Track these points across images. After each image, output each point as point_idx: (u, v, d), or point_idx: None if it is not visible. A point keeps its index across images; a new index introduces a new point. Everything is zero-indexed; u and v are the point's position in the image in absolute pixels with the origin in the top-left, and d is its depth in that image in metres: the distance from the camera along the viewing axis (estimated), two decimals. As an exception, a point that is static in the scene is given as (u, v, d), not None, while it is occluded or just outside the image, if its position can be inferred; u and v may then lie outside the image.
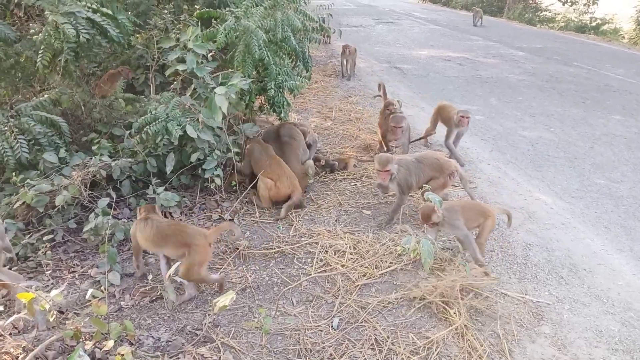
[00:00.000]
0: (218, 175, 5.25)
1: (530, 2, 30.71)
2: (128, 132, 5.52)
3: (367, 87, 10.29)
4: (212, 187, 5.37)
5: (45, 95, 5.70)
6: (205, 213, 5.32)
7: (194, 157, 5.19)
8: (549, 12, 29.57)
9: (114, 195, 5.09)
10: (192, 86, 5.37)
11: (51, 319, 3.09)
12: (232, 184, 5.51)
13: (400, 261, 4.46)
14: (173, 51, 6.50)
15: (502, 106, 9.43)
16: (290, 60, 6.54)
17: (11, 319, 3.37)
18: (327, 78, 10.94)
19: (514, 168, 6.73)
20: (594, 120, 8.99)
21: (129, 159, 5.22)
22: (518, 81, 11.60)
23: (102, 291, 3.44)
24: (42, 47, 5.18)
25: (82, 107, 6.12)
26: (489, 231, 4.35)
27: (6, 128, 5.10)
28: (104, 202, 4.87)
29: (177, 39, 5.49)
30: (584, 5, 28.05)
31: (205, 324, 3.76)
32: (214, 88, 5.03)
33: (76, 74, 6.06)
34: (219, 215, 5.24)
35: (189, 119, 5.02)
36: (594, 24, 25.68)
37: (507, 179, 6.31)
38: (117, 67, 7.68)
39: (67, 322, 3.33)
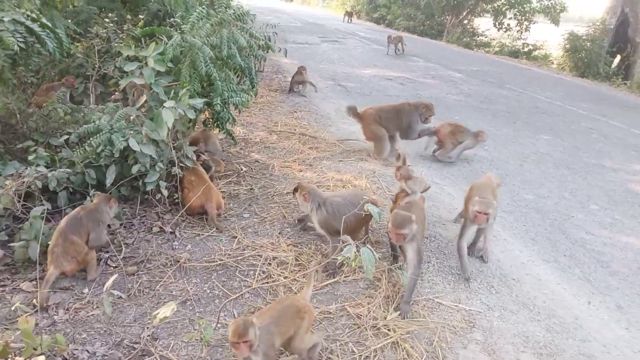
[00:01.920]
0: (165, 188, 5.20)
1: (468, 27, 32.28)
2: (64, 139, 5.37)
3: (311, 103, 10.47)
4: (154, 199, 5.31)
5: (-25, 102, 5.47)
6: (145, 225, 5.23)
7: (134, 169, 5.10)
8: (485, 37, 31.19)
9: (49, 206, 4.91)
10: (144, 98, 5.30)
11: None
12: (175, 197, 5.45)
13: (342, 273, 4.58)
14: (119, 61, 6.43)
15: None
16: (236, 75, 6.60)
17: None
18: (272, 93, 11.04)
19: (450, 184, 7.04)
20: (524, 139, 9.55)
21: (67, 170, 5.07)
22: (455, 101, 12.14)
23: (34, 304, 3.33)
24: (-25, 53, 4.99)
25: (18, 115, 5.91)
26: None
27: None
28: (37, 210, 4.70)
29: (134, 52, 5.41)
30: (517, 31, 29.75)
31: (143, 337, 3.70)
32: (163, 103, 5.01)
33: (12, 81, 5.85)
34: (160, 228, 5.17)
35: (132, 132, 4.96)
36: (526, 49, 27.26)
37: (443, 194, 6.59)
38: (55, 75, 7.47)
39: (-5, 337, 3.18)
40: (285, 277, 4.48)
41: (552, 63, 24.23)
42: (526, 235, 5.75)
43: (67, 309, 3.99)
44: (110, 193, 5.21)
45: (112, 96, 7.31)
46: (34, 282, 4.09)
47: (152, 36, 6.33)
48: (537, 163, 8.26)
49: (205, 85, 5.94)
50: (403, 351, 3.69)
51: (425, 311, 4.16)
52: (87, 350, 3.52)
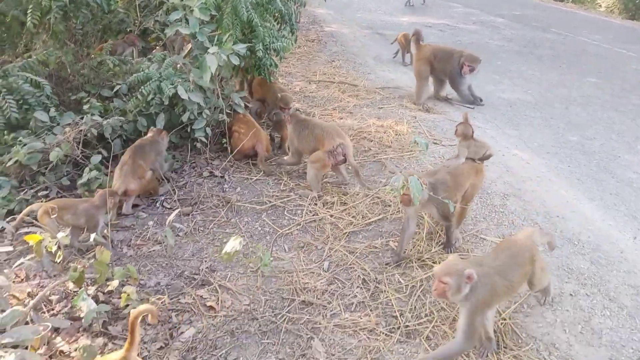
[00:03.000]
0: (204, 135, 5.38)
1: (510, -30, 30.69)
2: (115, 90, 5.60)
3: (349, 52, 10.37)
4: (203, 146, 5.51)
5: (33, 56, 5.71)
6: (196, 170, 5.46)
7: (185, 118, 5.29)
8: (529, -20, 29.65)
9: (105, 153, 5.18)
10: (189, 47, 5.43)
11: (58, 260, 3.25)
12: (223, 142, 5.63)
13: (387, 211, 4.71)
14: (160, 14, 6.54)
15: (482, 70, 9.60)
16: (276, 22, 6.61)
17: (16, 264, 3.52)
18: (309, 43, 10.98)
19: (493, 127, 6.97)
20: (570, 83, 9.26)
21: (120, 118, 5.31)
22: (497, 47, 11.79)
23: (105, 236, 3.60)
24: (31, 6, 5.19)
25: (69, 68, 6.15)
26: None
27: (-7, 89, 5.13)
28: (96, 158, 5.00)
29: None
30: (563, -27, 28.15)
31: (202, 269, 3.96)
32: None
33: (64, 34, 6.05)
34: (210, 172, 5.39)
35: (180, 80, 5.10)
36: (572, -8, 25.86)
37: (486, 137, 6.51)
38: (98, 32, 7.61)
39: (70, 265, 3.47)
40: (332, 215, 4.65)
41: (600, 6, 22.94)
42: (571, 175, 5.71)
43: (130, 246, 4.29)
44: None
45: (153, 51, 7.47)
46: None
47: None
48: (584, 106, 8.04)
49: (246, 32, 5.99)
50: (448, 281, 3.82)
51: (468, 246, 4.26)
52: (152, 280, 3.81)
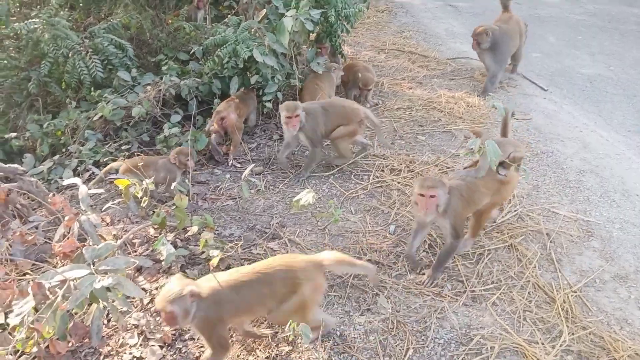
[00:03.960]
0: (269, 101, 5.50)
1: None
2: (194, 51, 5.80)
3: (420, 23, 10.14)
4: (264, 111, 5.63)
5: (117, 19, 6.01)
6: (266, 133, 5.61)
7: (253, 80, 5.42)
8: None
9: (181, 112, 5.42)
10: (263, 12, 5.54)
11: (143, 205, 3.48)
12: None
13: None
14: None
15: (561, 45, 9.18)
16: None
17: (105, 207, 3.80)
18: (379, 13, 10.82)
19: (571, 103, 6.67)
20: (658, 61, 8.66)
21: (197, 79, 5.52)
22: (578, 21, 11.14)
23: (186, 186, 3.81)
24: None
25: (148, 33, 6.42)
26: None
27: (82, 48, 5.46)
28: (176, 117, 5.25)
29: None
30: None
31: (272, 224, 4.12)
32: (283, 15, 5.18)
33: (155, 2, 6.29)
34: (279, 135, 5.51)
35: (256, 43, 5.22)
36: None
37: (563, 113, 6.29)
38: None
39: (154, 211, 3.70)
40: (399, 182, 4.66)
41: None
42: (654, 155, 5.41)
43: (205, 199, 4.51)
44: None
45: (225, 19, 7.62)
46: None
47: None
48: (671, 84, 7.51)
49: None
50: (517, 251, 3.78)
51: (541, 218, 4.17)
52: (227, 231, 4.01)
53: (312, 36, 6.26)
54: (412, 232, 3.71)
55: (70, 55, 5.35)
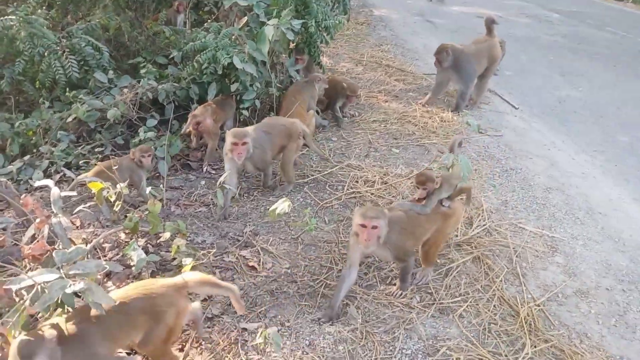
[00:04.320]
0: (246, 108, 5.51)
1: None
2: (173, 56, 5.79)
3: (398, 37, 10.33)
4: (240, 118, 5.65)
5: (96, 20, 5.95)
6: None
7: (234, 87, 5.44)
8: (588, -23, 28.62)
9: (157, 117, 5.40)
10: (244, 20, 5.57)
11: (116, 209, 3.46)
12: (270, 115, 5.76)
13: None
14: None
15: (532, 64, 9.46)
16: (330, 1, 6.68)
17: (76, 211, 3.75)
18: (358, 26, 10.99)
19: (541, 121, 6.88)
20: (624, 84, 8.97)
21: (174, 84, 5.50)
22: (550, 42, 11.50)
23: (159, 191, 3.80)
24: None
25: (127, 35, 6.38)
26: None
27: (58, 48, 5.39)
28: (152, 121, 5.23)
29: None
30: (625, -29, 27.05)
31: (245, 232, 4.13)
32: (264, 24, 5.22)
33: (123, 1, 6.26)
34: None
35: (236, 50, 5.24)
36: (633, -8, 24.83)
37: (532, 131, 6.49)
38: (153, 1, 7.73)
39: (126, 216, 3.68)
40: (372, 194, 4.73)
41: (663, 7, 21.98)
42: (618, 175, 5.60)
43: (178, 205, 4.50)
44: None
45: (205, 24, 7.62)
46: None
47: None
48: (637, 108, 7.80)
49: (300, 9, 6.07)
50: (485, 265, 3.88)
51: (508, 232, 4.28)
52: (199, 238, 4.00)
53: (292, 45, 6.31)
54: (343, 275, 3.42)
55: (45, 54, 5.28)
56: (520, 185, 5.08)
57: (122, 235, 3.96)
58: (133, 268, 3.40)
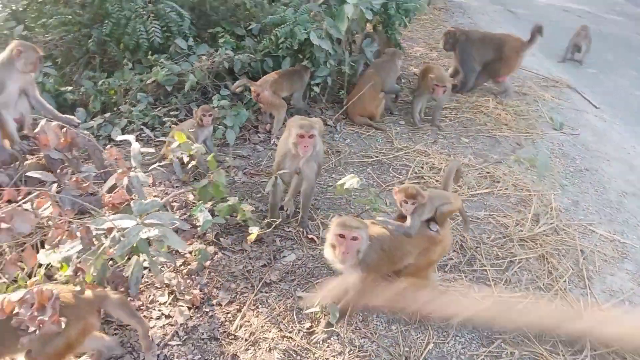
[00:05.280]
0: (317, 84, 5.54)
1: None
2: (251, 28, 5.89)
3: (477, 25, 9.98)
4: (320, 94, 5.69)
5: (181, -14, 6.13)
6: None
7: (305, 63, 5.47)
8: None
9: (232, 87, 5.52)
10: None
11: (188, 168, 3.60)
12: (340, 93, 5.77)
13: (494, 186, 4.64)
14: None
15: (619, 64, 8.91)
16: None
17: (150, 168, 3.92)
18: (436, 11, 10.70)
19: (622, 123, 6.49)
20: None
21: (250, 55, 5.61)
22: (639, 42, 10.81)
23: (232, 157, 3.92)
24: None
25: (208, 4, 6.51)
26: None
27: (144, 12, 5.61)
28: (226, 90, 5.37)
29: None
30: None
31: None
32: (344, 1, 5.20)
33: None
34: (322, 121, 5.55)
35: (314, 26, 5.26)
36: None
37: (612, 132, 6.15)
38: None
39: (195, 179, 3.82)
40: (437, 180, 4.67)
41: None
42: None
43: (245, 173, 4.61)
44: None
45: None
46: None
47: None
48: None
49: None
50: (549, 264, 3.76)
51: (576, 234, 4.12)
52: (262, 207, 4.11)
53: (369, 26, 6.27)
54: None
55: (132, 17, 5.51)
56: (594, 187, 4.85)
57: (190, 197, 4.11)
58: (199, 228, 3.54)
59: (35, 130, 2.99)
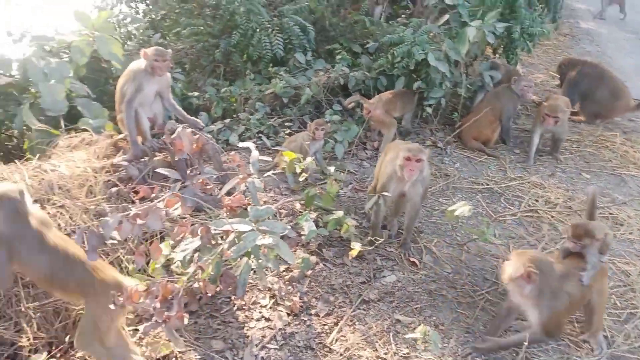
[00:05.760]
0: (430, 105, 5.47)
1: None
2: (368, 46, 5.96)
3: (604, 54, 9.34)
4: (423, 115, 5.62)
5: (305, 2, 6.38)
6: (419, 137, 5.60)
7: (417, 85, 5.41)
8: None
9: (344, 103, 5.62)
10: (445, 18, 5.53)
11: (301, 180, 3.71)
12: (453, 116, 5.65)
13: (617, 230, 4.28)
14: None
15: None
16: (540, 6, 6.29)
17: (265, 174, 4.09)
18: (561, 37, 10.14)
19: None
20: None
21: (365, 73, 5.68)
22: None
23: (342, 171, 3.98)
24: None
25: (328, 21, 6.70)
26: None
27: (269, 25, 5.89)
28: (338, 106, 5.48)
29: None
30: None
31: (411, 227, 4.12)
32: (465, 24, 5.12)
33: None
34: (432, 142, 5.48)
35: (432, 47, 5.22)
36: None
37: None
38: None
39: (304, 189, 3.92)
40: (552, 216, 4.40)
41: None
42: None
43: (350, 188, 4.66)
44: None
45: (398, 18, 7.68)
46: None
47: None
48: None
49: (505, 12, 5.80)
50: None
51: None
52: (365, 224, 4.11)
53: (488, 48, 6.10)
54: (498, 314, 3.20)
55: (257, 30, 5.81)
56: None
57: (297, 205, 4.22)
58: (303, 237, 3.62)
59: (173, 136, 3.24)
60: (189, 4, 6.84)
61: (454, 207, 3.29)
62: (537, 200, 4.61)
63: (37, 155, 4.10)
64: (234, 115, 5.61)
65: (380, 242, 3.70)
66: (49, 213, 3.47)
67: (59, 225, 3.42)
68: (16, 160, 4.16)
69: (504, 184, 4.84)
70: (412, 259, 3.76)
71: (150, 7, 7.66)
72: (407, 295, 3.46)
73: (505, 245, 4.04)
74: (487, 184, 4.84)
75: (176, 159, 3.72)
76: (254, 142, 5.03)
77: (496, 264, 3.81)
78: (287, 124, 5.45)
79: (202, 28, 6.34)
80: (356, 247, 3.44)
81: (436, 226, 4.23)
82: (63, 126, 4.72)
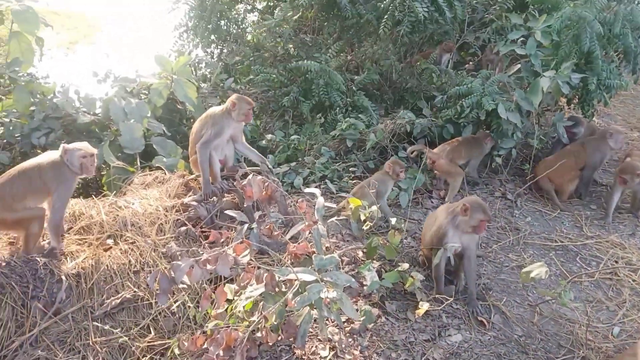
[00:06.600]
0: (499, 155, 5.33)
1: None
2: (436, 101, 5.94)
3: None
4: (492, 165, 5.47)
5: (376, 76, 6.53)
6: (488, 188, 5.42)
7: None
8: None
9: (407, 151, 5.56)
10: (517, 68, 5.42)
11: (365, 228, 3.65)
12: (524, 167, 5.45)
13: None
14: (487, 31, 6.67)
15: None
16: (618, 57, 6.04)
17: (329, 220, 4.07)
18: (639, 87, 9.70)
19: None
20: None
21: (432, 120, 5.64)
22: None
23: (401, 222, 3.90)
24: (386, 16, 5.88)
25: (396, 73, 6.72)
26: None
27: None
28: (403, 152, 5.43)
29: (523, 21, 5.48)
30: None
31: (479, 284, 3.93)
32: (538, 74, 5.00)
33: (404, 41, 6.62)
34: (502, 194, 5.29)
35: (503, 98, 5.11)
36: None
37: None
38: (419, 40, 7.90)
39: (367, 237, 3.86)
40: (634, 280, 4.07)
41: None
42: None
43: (414, 238, 4.53)
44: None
45: (466, 65, 7.60)
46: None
47: (526, 6, 6.15)
48: None
49: (580, 63, 5.62)
50: None
51: None
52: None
53: (562, 98, 5.90)
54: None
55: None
56: None
57: (360, 253, 4.14)
58: (365, 287, 3.54)
59: (243, 182, 3.30)
60: (263, 53, 7.13)
61: (529, 268, 3.11)
62: (616, 261, 4.30)
63: (114, 192, 4.30)
64: (299, 159, 5.69)
65: (448, 302, 3.53)
66: (121, 249, 3.61)
67: (129, 261, 3.54)
68: (93, 195, 4.41)
69: (580, 242, 4.56)
70: (480, 318, 3.56)
71: (225, 52, 8.07)
72: (474, 357, 3.25)
73: (582, 309, 3.76)
74: (562, 241, 4.58)
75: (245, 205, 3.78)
76: (317, 187, 5.09)
77: (572, 330, 3.54)
78: (351, 169, 5.45)
79: (274, 77, 6.56)
80: (424, 306, 3.31)
81: (506, 284, 4.01)
82: (139, 164, 4.97)
